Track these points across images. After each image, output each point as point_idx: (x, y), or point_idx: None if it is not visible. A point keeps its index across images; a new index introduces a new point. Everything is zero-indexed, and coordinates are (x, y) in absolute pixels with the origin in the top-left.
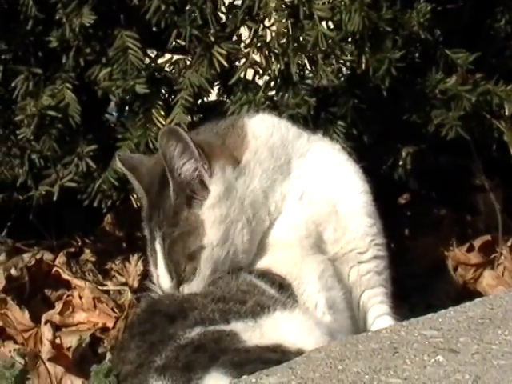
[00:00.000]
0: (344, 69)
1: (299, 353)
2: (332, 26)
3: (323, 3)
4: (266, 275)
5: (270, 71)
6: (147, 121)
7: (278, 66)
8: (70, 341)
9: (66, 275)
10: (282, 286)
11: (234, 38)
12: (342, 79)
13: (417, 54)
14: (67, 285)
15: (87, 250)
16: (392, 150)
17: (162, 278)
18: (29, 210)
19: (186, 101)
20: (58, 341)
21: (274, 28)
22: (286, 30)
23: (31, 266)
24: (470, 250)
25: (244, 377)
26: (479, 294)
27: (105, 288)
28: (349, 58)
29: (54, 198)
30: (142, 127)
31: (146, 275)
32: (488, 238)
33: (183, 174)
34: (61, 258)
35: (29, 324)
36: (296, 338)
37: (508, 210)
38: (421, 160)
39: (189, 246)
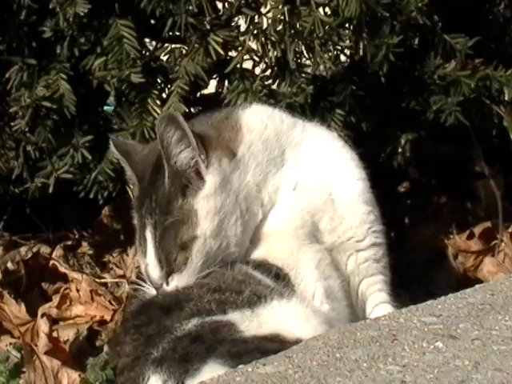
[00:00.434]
0: (342, 56)
1: (298, 342)
2: (329, 12)
3: None
4: (262, 266)
5: (266, 59)
6: (143, 110)
7: (275, 53)
8: (67, 334)
9: (63, 268)
10: (279, 276)
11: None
12: (340, 66)
13: (416, 41)
14: (64, 278)
15: (85, 243)
16: (391, 137)
17: (152, 268)
18: (25, 203)
19: (181, 90)
20: (54, 334)
21: (270, 15)
22: (282, 17)
23: (28, 259)
24: (471, 237)
25: (240, 366)
26: (480, 282)
27: (102, 281)
28: (346, 44)
29: (50, 190)
30: (138, 117)
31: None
32: (488, 224)
33: (179, 161)
34: (58, 251)
35: (25, 318)
36: (294, 327)
37: (508, 196)
38: (420, 147)
39: (181, 236)
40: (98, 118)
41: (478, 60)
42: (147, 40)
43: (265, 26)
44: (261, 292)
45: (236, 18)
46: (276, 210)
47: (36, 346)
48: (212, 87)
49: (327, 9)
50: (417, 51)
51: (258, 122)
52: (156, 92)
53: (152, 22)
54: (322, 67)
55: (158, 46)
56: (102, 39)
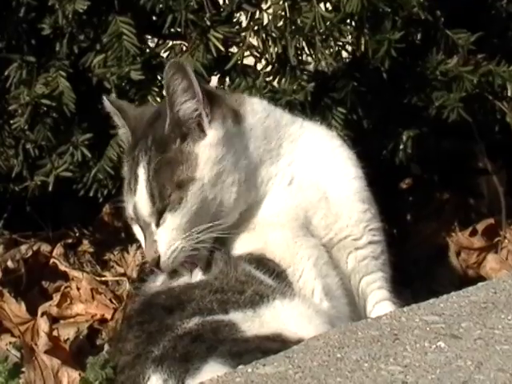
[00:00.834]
0: (343, 52)
1: (300, 342)
2: (330, 8)
3: None
4: (262, 262)
5: (267, 55)
6: None
7: (276, 49)
8: (67, 333)
9: (63, 267)
10: (279, 275)
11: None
12: (341, 62)
13: (418, 36)
14: (65, 276)
15: (85, 241)
16: (393, 133)
17: (142, 204)
18: (25, 201)
19: None
20: (55, 333)
21: (270, 11)
22: (283, 13)
23: (28, 257)
24: (473, 234)
25: (240, 367)
26: (483, 279)
27: (103, 279)
28: (348, 39)
29: (50, 188)
30: None
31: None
32: (491, 221)
33: (182, 111)
34: (58, 250)
35: (25, 317)
36: (296, 327)
37: None
38: (422, 144)
39: (178, 174)
40: (98, 116)
41: (481, 55)
42: (149, 37)
43: (265, 21)
44: (263, 292)
45: (238, 15)
46: (271, 202)
47: (36, 345)
48: (213, 85)
49: (328, 4)
50: (419, 47)
51: (261, 108)
52: (156, 89)
53: (154, 18)
54: (323, 63)
55: (160, 42)
56: (102, 36)
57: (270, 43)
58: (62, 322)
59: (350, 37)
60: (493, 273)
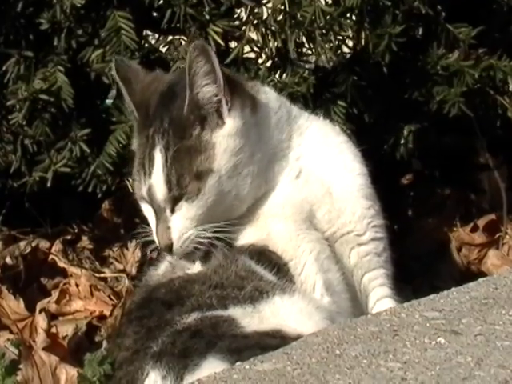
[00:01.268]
0: (343, 46)
1: (299, 338)
2: (330, 2)
3: None
4: (264, 254)
5: (267, 49)
6: None
7: (276, 43)
8: (66, 330)
9: (62, 263)
10: (280, 269)
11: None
12: (342, 56)
13: (419, 31)
14: (63, 273)
15: (84, 237)
16: (393, 128)
17: (158, 188)
18: (24, 197)
19: None
20: (53, 330)
21: (270, 5)
22: (282, 7)
23: (27, 254)
24: (475, 229)
25: (238, 363)
26: (484, 275)
27: (102, 275)
28: (348, 33)
29: (48, 184)
30: None
31: (144, 262)
32: (493, 217)
33: (201, 94)
34: (57, 246)
35: (24, 313)
36: (296, 323)
37: None
38: (423, 139)
39: (197, 164)
40: (96, 111)
41: (482, 50)
42: (150, 33)
43: (265, 16)
44: (263, 288)
45: (238, 10)
46: (277, 193)
47: (34, 341)
48: None
49: None
50: (419, 41)
51: (274, 98)
52: None
53: (153, 13)
54: (323, 57)
55: (161, 38)
56: (100, 31)
57: (270, 37)
58: (60, 318)
59: (350, 31)
60: (494, 269)
